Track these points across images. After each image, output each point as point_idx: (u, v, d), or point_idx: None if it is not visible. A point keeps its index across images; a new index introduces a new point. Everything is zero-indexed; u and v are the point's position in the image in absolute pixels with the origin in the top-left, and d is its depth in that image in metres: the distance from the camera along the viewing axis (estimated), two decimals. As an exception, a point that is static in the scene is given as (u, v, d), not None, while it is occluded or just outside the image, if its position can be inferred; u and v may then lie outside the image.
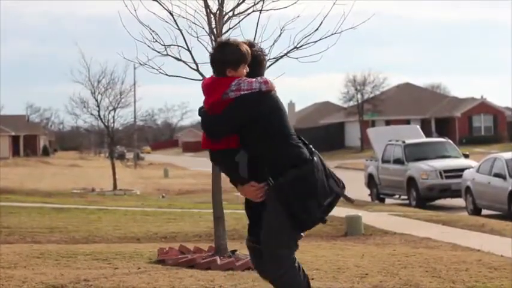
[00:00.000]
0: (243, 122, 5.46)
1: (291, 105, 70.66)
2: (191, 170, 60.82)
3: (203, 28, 10.43)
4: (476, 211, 21.99)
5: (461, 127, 77.16)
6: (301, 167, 5.46)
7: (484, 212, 21.83)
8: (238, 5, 10.43)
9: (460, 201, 24.03)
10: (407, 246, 12.75)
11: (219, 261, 9.62)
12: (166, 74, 10.75)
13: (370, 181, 28.93)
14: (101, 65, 45.96)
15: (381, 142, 28.92)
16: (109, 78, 38.91)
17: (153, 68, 10.65)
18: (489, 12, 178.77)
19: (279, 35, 10.34)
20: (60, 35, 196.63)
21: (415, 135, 29.72)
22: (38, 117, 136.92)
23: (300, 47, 10.42)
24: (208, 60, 5.69)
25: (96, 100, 38.59)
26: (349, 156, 66.97)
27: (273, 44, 10.33)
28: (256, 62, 5.68)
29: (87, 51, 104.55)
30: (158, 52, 10.53)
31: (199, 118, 5.68)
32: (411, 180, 26.04)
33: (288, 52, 10.45)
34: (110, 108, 38.98)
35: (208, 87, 5.59)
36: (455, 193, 24.59)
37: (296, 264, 5.59)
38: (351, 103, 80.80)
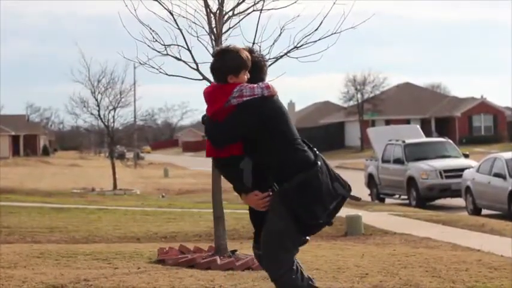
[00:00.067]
0: (247, 128, 5.41)
1: (291, 105, 70.30)
2: (191, 169, 60.80)
3: (203, 28, 10.45)
4: (476, 211, 21.98)
5: (461, 127, 77.14)
6: (307, 171, 5.43)
7: (484, 211, 21.82)
8: (238, 4, 10.43)
9: (460, 201, 24.03)
10: (407, 246, 12.75)
11: (219, 261, 9.61)
12: (166, 74, 10.75)
13: (370, 181, 28.91)
14: (101, 64, 45.75)
15: (380, 142, 28.90)
16: (109, 78, 38.84)
17: (153, 68, 10.65)
18: (489, 12, 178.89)
19: (279, 35, 10.35)
20: (60, 35, 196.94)
21: (415, 135, 29.69)
22: (38, 117, 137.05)
23: (300, 46, 10.42)
24: (208, 60, 5.68)
25: (96, 100, 38.54)
26: (349, 156, 66.92)
27: (273, 43, 10.36)
28: (257, 68, 5.65)
29: (87, 51, 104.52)
30: (158, 52, 10.54)
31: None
32: (411, 180, 26.02)
33: (288, 52, 10.45)
34: (110, 107, 38.91)
35: (210, 94, 5.55)
36: (455, 193, 24.59)
37: (295, 267, 5.57)
38: (351, 103, 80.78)
